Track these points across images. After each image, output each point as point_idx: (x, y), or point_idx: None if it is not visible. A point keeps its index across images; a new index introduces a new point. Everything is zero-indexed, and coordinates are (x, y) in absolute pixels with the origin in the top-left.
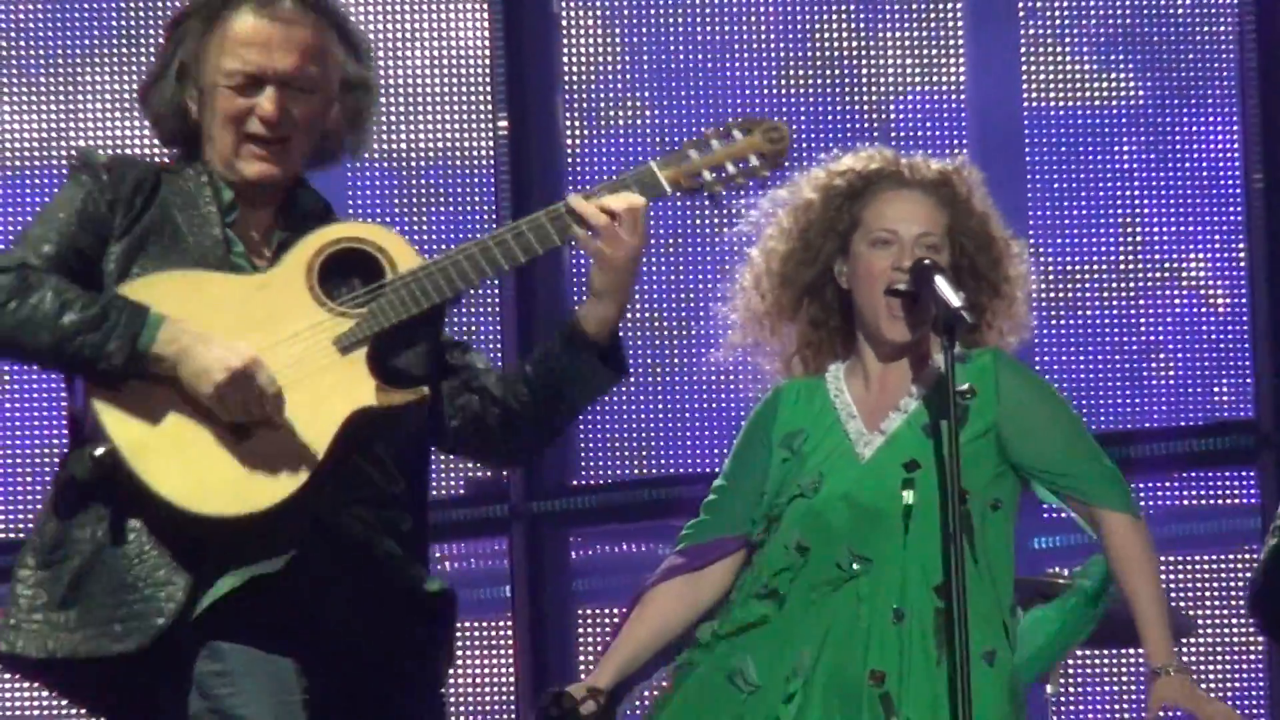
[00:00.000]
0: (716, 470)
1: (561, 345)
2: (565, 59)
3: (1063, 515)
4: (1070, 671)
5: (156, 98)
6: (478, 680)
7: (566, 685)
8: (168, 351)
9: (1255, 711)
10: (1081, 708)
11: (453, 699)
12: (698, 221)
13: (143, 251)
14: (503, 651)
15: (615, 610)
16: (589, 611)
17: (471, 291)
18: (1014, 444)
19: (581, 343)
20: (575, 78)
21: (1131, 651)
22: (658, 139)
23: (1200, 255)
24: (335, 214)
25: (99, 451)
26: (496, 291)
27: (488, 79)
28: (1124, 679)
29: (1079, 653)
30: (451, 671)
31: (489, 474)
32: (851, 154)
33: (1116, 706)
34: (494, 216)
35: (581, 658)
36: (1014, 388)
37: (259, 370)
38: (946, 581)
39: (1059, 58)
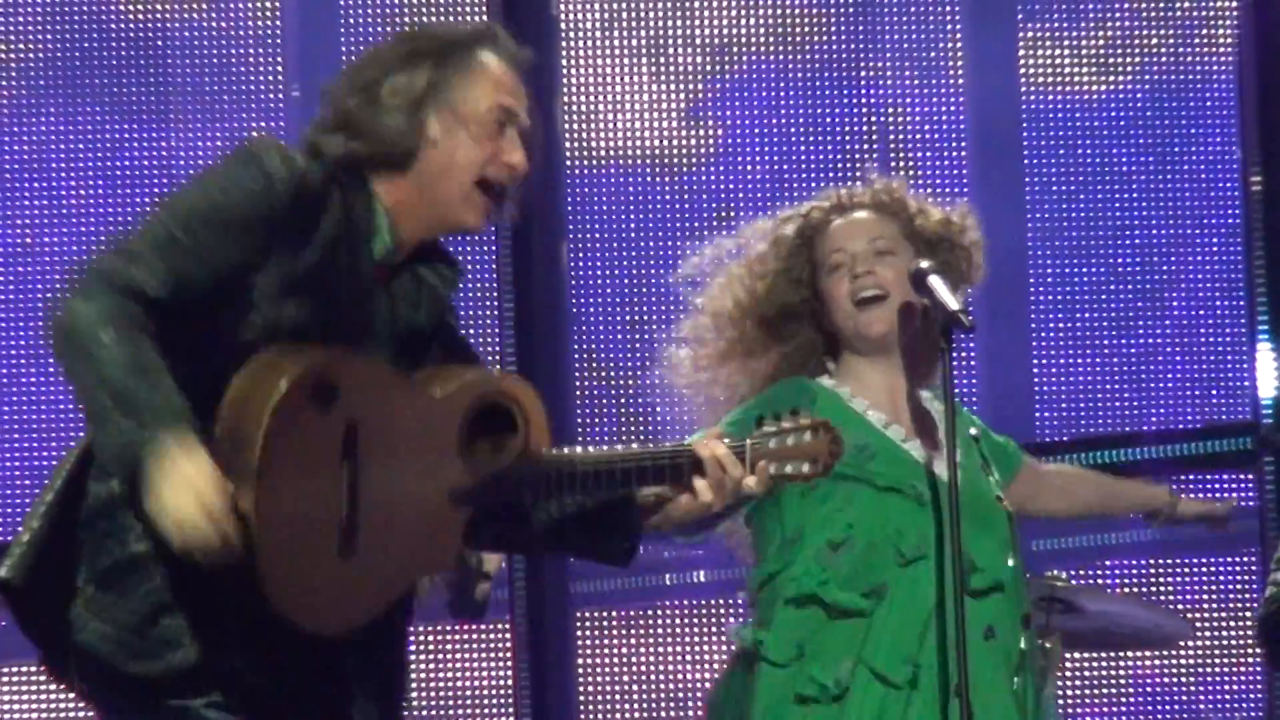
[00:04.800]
0: None
1: (616, 504)
2: (564, 62)
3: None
4: (1069, 674)
5: (379, 118)
6: (476, 682)
7: (564, 690)
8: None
9: (1253, 714)
10: (1078, 710)
11: (451, 700)
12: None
13: (299, 287)
14: (501, 653)
15: (614, 613)
16: (587, 614)
17: (469, 284)
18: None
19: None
20: (574, 81)
21: (1129, 655)
22: (656, 141)
23: (1198, 258)
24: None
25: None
26: (494, 288)
27: None
28: (1122, 682)
29: (1077, 655)
30: (450, 673)
31: None
32: (793, 206)
33: (1113, 709)
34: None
35: (580, 660)
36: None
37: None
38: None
39: (1057, 60)
